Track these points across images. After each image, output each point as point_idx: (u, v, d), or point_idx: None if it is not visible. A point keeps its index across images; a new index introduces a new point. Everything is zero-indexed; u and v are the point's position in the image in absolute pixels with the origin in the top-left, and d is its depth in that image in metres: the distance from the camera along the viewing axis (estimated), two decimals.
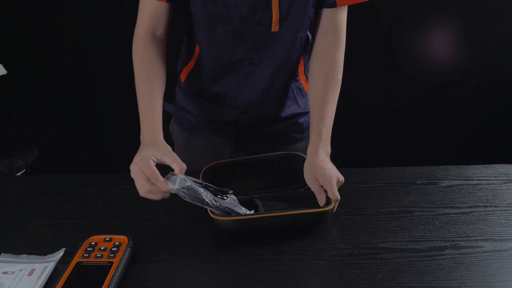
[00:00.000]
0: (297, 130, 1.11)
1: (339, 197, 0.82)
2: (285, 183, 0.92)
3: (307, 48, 1.03)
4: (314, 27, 0.99)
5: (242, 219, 0.77)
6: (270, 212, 0.80)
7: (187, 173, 0.80)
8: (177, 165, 0.80)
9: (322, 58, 0.99)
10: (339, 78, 0.99)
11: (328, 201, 0.81)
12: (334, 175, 0.85)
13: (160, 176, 0.77)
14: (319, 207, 0.80)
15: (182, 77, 1.08)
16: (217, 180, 0.89)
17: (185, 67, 1.06)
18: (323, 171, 0.85)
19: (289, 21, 0.93)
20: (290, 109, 1.07)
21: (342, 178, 0.86)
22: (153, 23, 0.95)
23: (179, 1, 0.95)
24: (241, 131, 1.07)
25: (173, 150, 1.19)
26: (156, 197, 0.78)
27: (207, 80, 1.02)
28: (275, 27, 0.92)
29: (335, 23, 0.97)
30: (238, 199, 0.82)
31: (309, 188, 0.86)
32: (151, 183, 0.77)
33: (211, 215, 0.77)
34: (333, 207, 0.81)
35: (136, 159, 0.80)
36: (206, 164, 0.96)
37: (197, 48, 1.01)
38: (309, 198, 0.84)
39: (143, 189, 0.78)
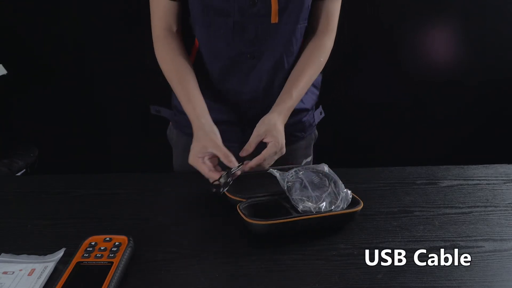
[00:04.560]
0: (299, 128, 1.11)
1: (264, 165, 0.90)
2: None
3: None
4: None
5: (279, 222, 0.76)
6: (304, 214, 0.79)
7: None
8: (218, 153, 0.87)
9: (309, 43, 1.02)
10: (321, 59, 1.02)
11: (357, 201, 0.82)
12: (283, 146, 0.91)
13: (208, 173, 0.86)
14: (346, 207, 0.81)
15: None
16: (238, 185, 0.90)
17: None
18: (276, 134, 0.91)
19: (288, 12, 0.94)
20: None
21: (284, 151, 0.93)
22: (166, 20, 0.98)
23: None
24: (245, 132, 1.07)
25: (172, 155, 1.19)
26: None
27: (208, 78, 1.02)
28: (274, 19, 0.93)
29: (327, 12, 1.00)
30: (264, 202, 0.85)
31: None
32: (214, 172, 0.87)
33: (246, 219, 0.77)
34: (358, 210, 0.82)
35: (189, 160, 0.89)
36: None
37: (194, 48, 1.01)
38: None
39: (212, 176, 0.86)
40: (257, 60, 0.97)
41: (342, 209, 0.81)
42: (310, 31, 1.03)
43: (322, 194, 0.83)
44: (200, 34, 0.98)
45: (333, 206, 0.81)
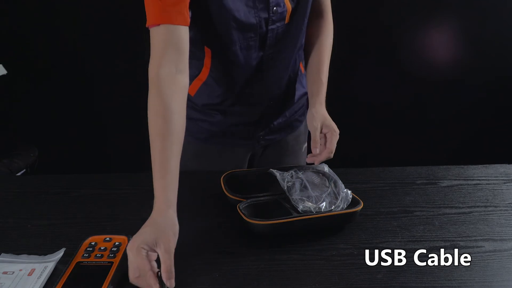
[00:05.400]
0: (301, 113, 1.14)
1: (334, 149, 0.92)
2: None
3: None
4: None
5: (279, 222, 0.76)
6: (304, 214, 0.79)
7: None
8: (164, 262, 0.67)
9: (314, 30, 1.06)
10: (330, 41, 1.07)
11: (357, 201, 0.82)
12: (337, 130, 0.94)
13: (150, 271, 0.66)
14: (347, 207, 0.81)
15: (191, 91, 1.02)
16: (239, 184, 0.90)
17: (194, 81, 1.02)
18: (329, 123, 0.95)
19: (298, 10, 0.95)
20: (299, 91, 1.10)
21: (338, 133, 0.95)
22: (170, 56, 0.81)
23: (202, 24, 0.90)
24: (262, 126, 1.09)
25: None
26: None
27: (230, 86, 1.01)
28: (287, 19, 0.95)
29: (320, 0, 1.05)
30: (264, 202, 0.84)
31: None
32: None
33: (246, 218, 0.77)
34: (361, 208, 0.82)
35: (133, 242, 0.69)
36: (219, 169, 0.96)
37: (206, 60, 0.98)
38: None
39: (132, 275, 0.68)
40: (275, 60, 0.99)
41: (342, 209, 0.81)
42: (309, 19, 1.05)
43: (322, 194, 0.83)
44: (223, 51, 0.95)
45: (333, 206, 0.81)
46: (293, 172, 0.87)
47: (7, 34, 2.13)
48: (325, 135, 0.93)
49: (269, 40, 0.95)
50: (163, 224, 0.71)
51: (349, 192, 0.83)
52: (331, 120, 0.96)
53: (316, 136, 0.93)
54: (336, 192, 0.84)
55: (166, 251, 0.67)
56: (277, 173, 0.86)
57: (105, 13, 2.08)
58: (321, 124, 0.94)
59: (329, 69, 1.06)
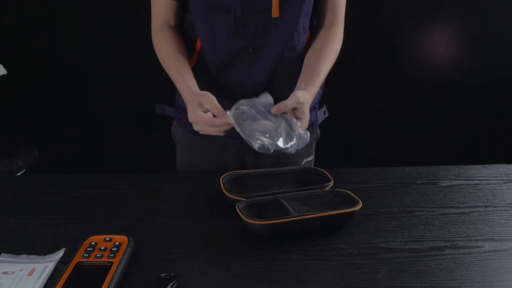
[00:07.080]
0: None
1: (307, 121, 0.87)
2: (307, 184, 0.91)
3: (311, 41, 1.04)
4: (313, 10, 1.01)
5: (278, 222, 0.76)
6: (303, 214, 0.78)
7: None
8: (216, 109, 0.87)
9: (320, 33, 1.03)
10: (336, 48, 1.02)
11: (356, 201, 0.81)
12: (307, 113, 0.88)
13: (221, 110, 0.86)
14: (345, 207, 0.81)
15: None
16: (239, 184, 0.90)
17: None
18: (305, 115, 0.87)
19: (289, 6, 0.94)
20: None
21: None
22: (166, 15, 1.03)
23: None
24: None
25: (176, 152, 1.19)
26: (218, 131, 0.87)
27: (211, 74, 1.02)
28: (275, 13, 0.93)
29: (333, 5, 1.01)
30: (262, 200, 0.84)
31: (332, 188, 0.86)
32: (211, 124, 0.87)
33: (245, 218, 0.77)
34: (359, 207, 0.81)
35: (191, 116, 0.90)
36: (210, 165, 0.96)
37: (197, 46, 1.01)
38: (333, 198, 0.85)
39: (207, 128, 0.88)
40: (258, 54, 0.98)
41: (298, 146, 0.79)
42: (318, 25, 1.04)
43: (277, 129, 0.80)
44: (202, 30, 0.98)
45: (289, 144, 0.78)
46: (239, 106, 0.83)
47: (7, 34, 2.13)
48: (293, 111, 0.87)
49: (249, 30, 0.94)
50: (196, 94, 0.91)
51: (308, 134, 0.80)
52: (307, 115, 0.89)
53: (288, 103, 0.86)
54: (290, 127, 0.80)
55: (209, 102, 0.88)
56: (227, 112, 0.84)
57: (105, 13, 2.08)
58: (301, 104, 0.87)
59: (331, 70, 1.05)
